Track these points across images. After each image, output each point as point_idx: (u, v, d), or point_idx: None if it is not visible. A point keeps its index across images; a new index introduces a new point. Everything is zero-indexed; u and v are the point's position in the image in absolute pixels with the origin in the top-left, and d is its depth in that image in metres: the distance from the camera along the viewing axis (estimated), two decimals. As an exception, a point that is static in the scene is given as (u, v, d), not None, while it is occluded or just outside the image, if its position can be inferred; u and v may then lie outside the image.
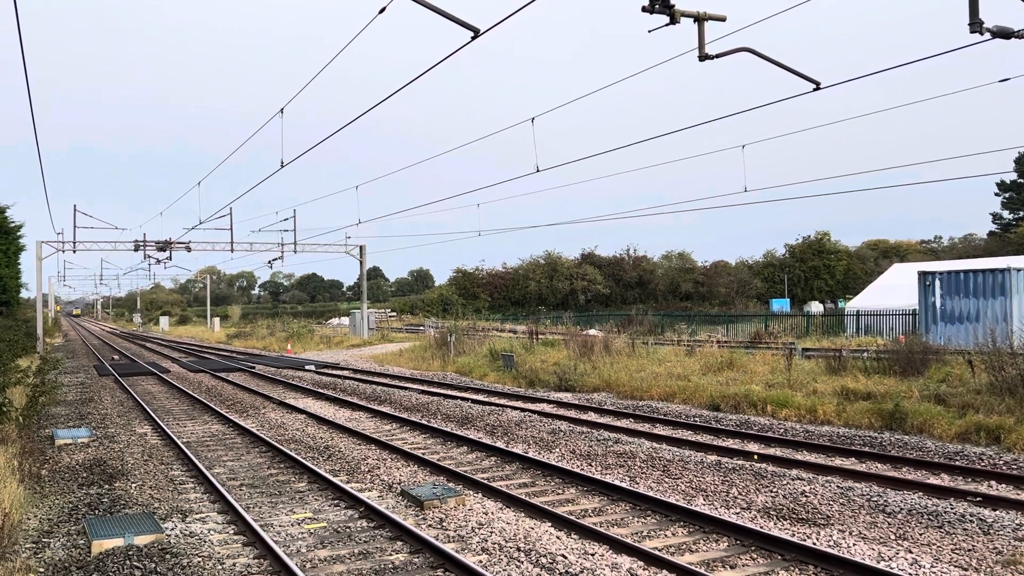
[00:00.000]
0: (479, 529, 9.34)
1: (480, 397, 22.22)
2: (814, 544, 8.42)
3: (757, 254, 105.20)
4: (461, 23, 11.11)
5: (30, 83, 16.11)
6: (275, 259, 55.79)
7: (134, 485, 11.98)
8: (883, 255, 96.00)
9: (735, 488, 10.93)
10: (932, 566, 7.75)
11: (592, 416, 18.37)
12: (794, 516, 9.61)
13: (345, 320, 78.03)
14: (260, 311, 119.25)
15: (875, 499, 10.03)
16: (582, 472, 11.95)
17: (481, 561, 8.21)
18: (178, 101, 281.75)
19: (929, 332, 27.30)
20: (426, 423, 17.29)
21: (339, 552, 8.64)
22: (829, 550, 8.08)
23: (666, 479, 11.67)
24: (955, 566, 7.77)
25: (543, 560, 8.16)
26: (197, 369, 34.67)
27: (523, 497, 10.54)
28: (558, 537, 8.95)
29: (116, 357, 45.16)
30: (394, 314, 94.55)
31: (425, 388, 25.07)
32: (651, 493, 10.70)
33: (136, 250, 51.29)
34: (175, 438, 15.65)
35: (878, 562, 7.87)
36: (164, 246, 51.29)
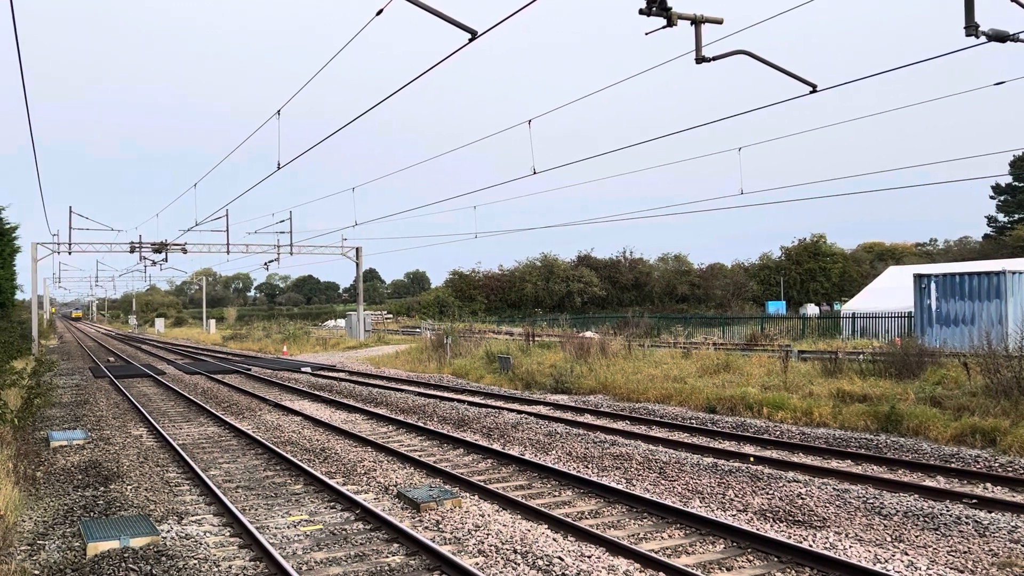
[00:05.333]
0: (476, 531, 9.34)
1: (476, 399, 22.21)
2: (810, 546, 8.43)
3: (753, 256, 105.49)
4: (459, 25, 11.11)
5: (26, 84, 16.09)
6: (271, 261, 55.71)
7: (130, 487, 11.95)
8: (879, 257, 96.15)
9: (731, 490, 10.93)
10: (928, 568, 7.77)
11: (588, 418, 18.36)
12: (790, 518, 9.62)
13: (341, 322, 77.95)
14: (256, 313, 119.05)
15: (871, 501, 10.04)
16: (579, 474, 11.94)
17: (478, 563, 8.20)
18: (175, 102, 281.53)
19: (925, 334, 27.35)
20: (422, 425, 17.27)
21: (335, 554, 8.63)
22: (825, 552, 8.09)
23: (662, 481, 11.67)
24: (951, 568, 7.79)
25: (540, 562, 8.15)
26: (192, 371, 34.60)
27: (520, 499, 10.53)
28: (555, 539, 8.95)
29: (111, 359, 45.05)
30: (390, 316, 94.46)
31: (421, 390, 25.04)
32: (647, 495, 10.70)
33: (132, 252, 51.15)
34: (171, 440, 15.61)
35: (874, 564, 7.88)
36: (160, 248, 51.16)
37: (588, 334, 36.73)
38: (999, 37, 10.36)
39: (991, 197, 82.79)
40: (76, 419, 19.69)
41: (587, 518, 9.92)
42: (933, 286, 28.46)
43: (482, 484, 11.43)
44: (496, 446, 14.75)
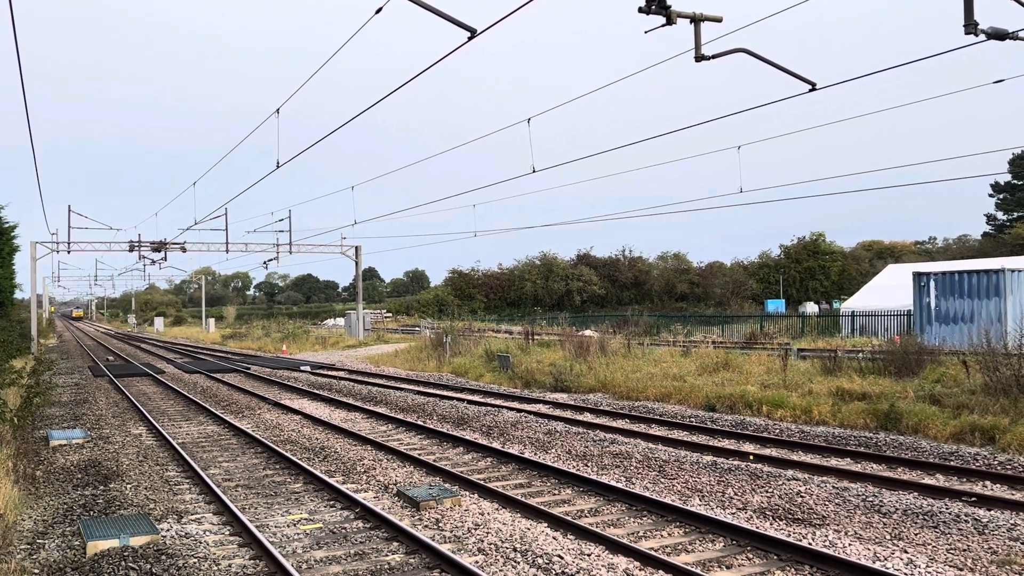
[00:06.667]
0: (475, 530, 9.34)
1: (476, 398, 22.21)
2: (810, 544, 8.44)
3: (752, 255, 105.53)
4: (458, 23, 11.11)
5: (25, 83, 16.08)
6: (270, 260, 55.68)
7: (129, 486, 11.95)
8: (878, 256, 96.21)
9: (731, 488, 10.94)
10: (927, 566, 7.77)
11: (588, 417, 18.37)
12: (790, 516, 9.63)
13: (341, 321, 77.94)
14: (255, 312, 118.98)
15: (870, 499, 10.05)
16: (578, 473, 11.95)
17: (477, 562, 8.20)
18: (173, 101, 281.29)
19: (924, 333, 27.37)
20: (422, 424, 17.27)
21: (335, 553, 8.63)
22: (825, 550, 8.10)
23: (662, 479, 11.68)
24: (950, 566, 7.79)
25: (539, 560, 8.16)
26: (192, 370, 34.59)
27: (519, 498, 10.54)
28: (554, 537, 8.96)
29: (111, 358, 45.04)
30: (390, 315, 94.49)
31: (421, 389, 25.05)
32: (647, 493, 10.71)
33: (131, 251, 51.09)
34: (170, 439, 15.61)
35: (873, 562, 7.88)
36: (159, 247, 51.13)
37: (587, 333, 36.74)
38: (998, 35, 10.36)
39: (990, 195, 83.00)
40: (75, 418, 19.69)
41: (587, 516, 9.93)
42: (932, 284, 28.47)
43: (482, 483, 11.44)
44: (496, 445, 14.76)
